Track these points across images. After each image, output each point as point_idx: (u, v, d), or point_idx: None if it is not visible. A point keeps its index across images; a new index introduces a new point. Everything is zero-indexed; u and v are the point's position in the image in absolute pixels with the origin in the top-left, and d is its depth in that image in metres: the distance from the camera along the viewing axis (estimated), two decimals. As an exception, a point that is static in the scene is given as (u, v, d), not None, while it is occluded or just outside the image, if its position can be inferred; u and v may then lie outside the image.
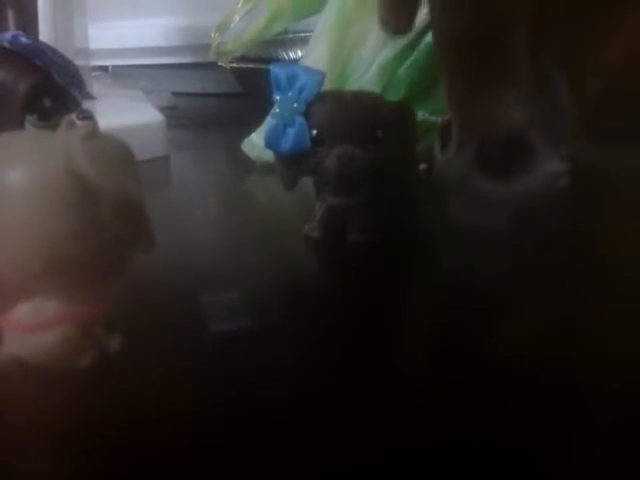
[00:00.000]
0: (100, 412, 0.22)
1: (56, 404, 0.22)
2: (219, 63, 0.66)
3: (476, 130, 0.27)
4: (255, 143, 0.50)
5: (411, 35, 0.46)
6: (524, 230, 0.30)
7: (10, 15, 0.45)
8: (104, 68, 0.81)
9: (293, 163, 0.35)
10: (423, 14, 0.43)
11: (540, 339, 0.27)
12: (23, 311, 0.22)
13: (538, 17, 0.24)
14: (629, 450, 0.21)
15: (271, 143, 0.34)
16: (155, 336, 0.26)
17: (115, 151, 0.21)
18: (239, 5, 0.61)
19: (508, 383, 0.24)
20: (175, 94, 0.75)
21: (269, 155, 0.40)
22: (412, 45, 0.46)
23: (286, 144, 0.33)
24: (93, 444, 0.21)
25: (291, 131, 0.33)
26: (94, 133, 0.20)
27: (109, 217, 0.20)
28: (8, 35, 0.31)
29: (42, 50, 0.32)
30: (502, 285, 0.31)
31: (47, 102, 0.31)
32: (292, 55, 0.65)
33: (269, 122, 0.34)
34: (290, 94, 0.33)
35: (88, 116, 0.31)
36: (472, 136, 0.27)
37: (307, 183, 0.37)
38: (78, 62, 0.35)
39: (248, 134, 0.51)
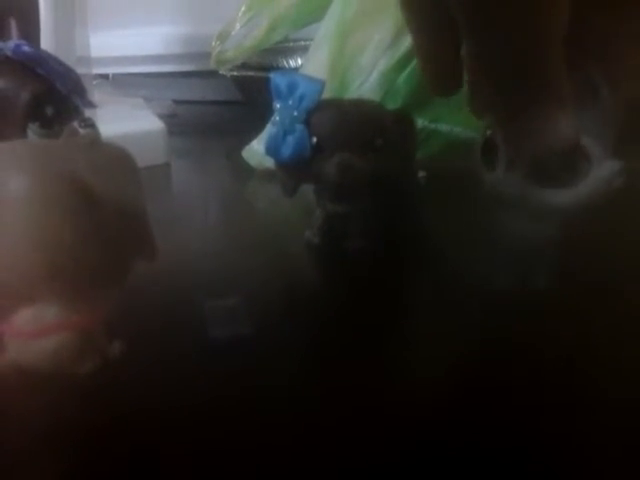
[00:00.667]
0: (100, 419, 0.22)
1: (56, 410, 0.22)
2: (220, 71, 0.66)
3: (528, 147, 0.27)
4: (256, 150, 0.50)
5: (410, 43, 0.46)
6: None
7: (12, 24, 0.45)
8: (105, 76, 0.81)
9: (293, 170, 0.35)
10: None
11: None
12: (23, 317, 0.22)
13: (576, 24, 0.24)
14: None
15: (271, 150, 0.34)
16: (156, 342, 0.26)
17: (117, 159, 0.21)
18: (240, 13, 0.61)
19: (512, 392, 0.24)
20: (176, 102, 0.75)
21: (269, 162, 0.40)
22: (412, 53, 0.46)
23: (286, 152, 0.33)
24: (93, 451, 0.21)
25: (291, 139, 0.33)
26: (96, 141, 0.21)
27: (111, 225, 0.21)
28: (10, 44, 0.31)
29: (44, 59, 0.32)
30: (509, 291, 0.31)
31: (49, 110, 0.32)
32: (292, 63, 0.65)
33: (269, 130, 0.34)
34: (290, 102, 0.33)
35: (90, 124, 0.32)
36: (523, 153, 0.27)
37: (307, 190, 0.37)
38: (79, 70, 0.35)
39: (249, 141, 0.51)
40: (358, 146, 0.33)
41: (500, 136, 0.29)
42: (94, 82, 0.69)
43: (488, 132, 0.30)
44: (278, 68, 0.65)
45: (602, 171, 0.27)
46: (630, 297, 0.30)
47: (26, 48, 0.31)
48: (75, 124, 0.30)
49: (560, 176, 0.28)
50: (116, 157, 0.21)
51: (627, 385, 0.24)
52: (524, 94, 0.24)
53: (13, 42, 0.31)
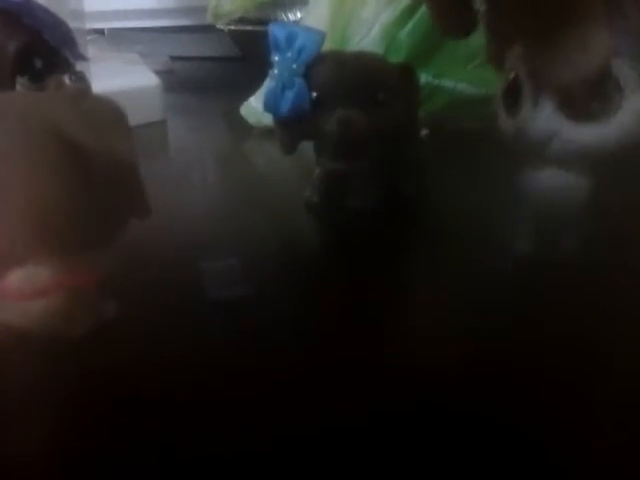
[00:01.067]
0: (95, 380, 0.22)
1: (50, 372, 0.22)
2: (217, 25, 0.65)
3: (557, 75, 0.25)
4: (253, 107, 0.49)
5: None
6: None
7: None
8: (100, 31, 0.79)
9: (292, 127, 0.34)
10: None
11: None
12: (15, 279, 0.22)
13: None
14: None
15: (270, 106, 0.33)
16: (152, 302, 0.26)
17: (106, 113, 0.21)
18: (237, -35, 0.60)
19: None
20: (172, 58, 0.74)
21: (268, 119, 0.39)
22: (414, 7, 0.45)
23: (285, 107, 0.32)
24: (88, 412, 0.21)
25: (290, 93, 0.32)
26: (83, 94, 0.20)
27: (101, 181, 0.20)
28: (-5, -8, 0.30)
29: (32, 9, 0.30)
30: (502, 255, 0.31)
31: (38, 63, 0.30)
32: (291, 17, 0.64)
33: (268, 84, 0.33)
34: (289, 54, 0.32)
35: (81, 78, 0.30)
36: (552, 82, 0.26)
37: (307, 147, 0.36)
38: (72, 24, 0.34)
39: (246, 98, 0.50)
40: (359, 100, 0.32)
41: (526, 71, 0.27)
42: (88, 37, 0.68)
43: (511, 75, 0.28)
44: (277, 22, 0.64)
45: (637, 107, 0.26)
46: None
47: (12, -4, 0.30)
48: (64, 77, 0.29)
49: (591, 107, 0.26)
50: (105, 111, 0.20)
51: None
52: (552, 15, 0.23)
53: (-2, -10, 0.30)
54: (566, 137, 0.26)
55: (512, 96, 0.28)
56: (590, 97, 0.25)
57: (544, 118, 0.26)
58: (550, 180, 0.28)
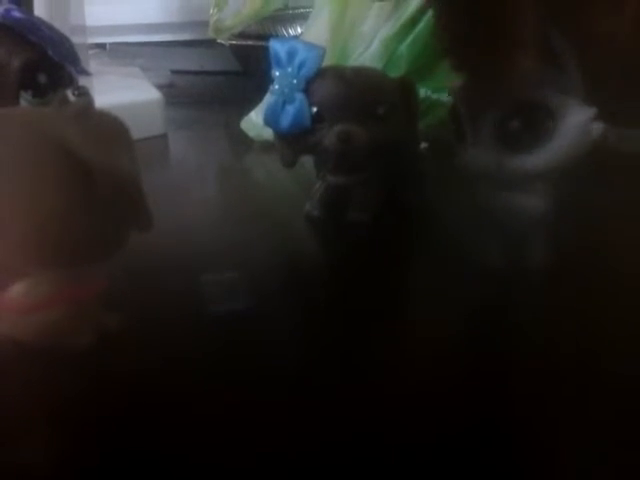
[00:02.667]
0: (95, 392, 0.22)
1: (50, 385, 0.22)
2: (218, 40, 0.65)
3: (489, 102, 0.26)
4: (254, 121, 0.50)
5: (412, 11, 0.45)
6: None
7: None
8: (101, 46, 0.80)
9: (293, 141, 0.34)
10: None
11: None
12: (17, 291, 0.22)
13: None
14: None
15: (270, 120, 0.33)
16: (153, 316, 0.26)
17: (109, 128, 0.21)
18: (238, -20, 0.60)
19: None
20: (173, 72, 0.74)
21: (268, 134, 0.39)
22: (414, 21, 0.46)
23: (285, 121, 0.32)
24: (90, 424, 0.21)
25: (290, 108, 0.32)
26: (87, 109, 0.20)
27: (103, 195, 0.20)
28: (0, 9, 0.30)
29: (36, 25, 0.31)
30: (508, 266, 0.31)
31: (42, 78, 0.31)
32: (292, 31, 0.64)
33: (268, 99, 0.34)
34: (289, 70, 0.32)
35: (84, 93, 0.31)
36: (486, 112, 0.26)
37: (307, 161, 0.36)
38: (74, 39, 0.34)
39: (247, 112, 0.51)
40: (359, 115, 0.32)
41: (463, 103, 0.28)
42: (91, 51, 0.68)
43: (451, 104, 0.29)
44: (277, 36, 0.64)
45: (571, 123, 0.26)
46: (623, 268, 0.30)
47: (16, 13, 0.30)
48: (68, 92, 0.29)
49: (524, 137, 0.27)
50: (108, 125, 0.21)
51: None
52: (488, 44, 0.24)
53: (3, 7, 0.30)
54: (507, 166, 0.27)
55: (456, 121, 0.29)
56: (520, 127, 0.26)
57: (484, 149, 0.27)
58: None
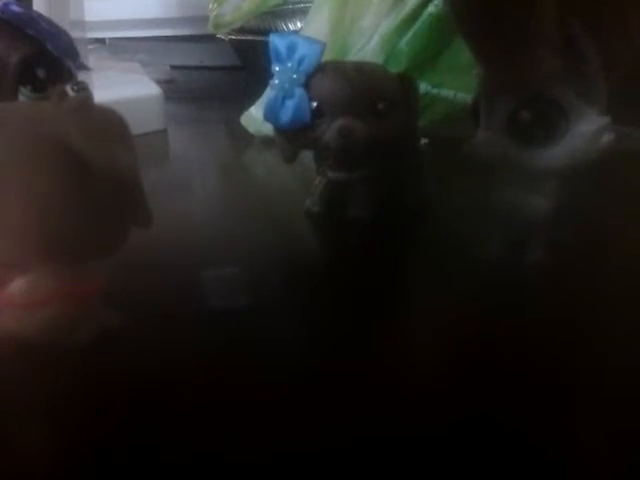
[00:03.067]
0: (96, 389, 0.22)
1: (51, 381, 0.22)
2: (218, 35, 0.65)
3: (505, 92, 0.26)
4: (254, 116, 0.50)
5: (413, 6, 0.45)
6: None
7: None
8: (101, 41, 0.80)
9: (292, 136, 0.34)
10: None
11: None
12: (17, 287, 0.22)
13: None
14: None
15: (270, 116, 0.33)
16: (153, 312, 0.26)
17: (109, 123, 0.21)
18: (237, -25, 0.60)
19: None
20: (173, 67, 0.74)
21: (268, 129, 0.39)
22: (414, 16, 0.45)
23: (285, 117, 0.32)
24: (89, 421, 0.21)
25: (290, 103, 0.32)
26: (86, 104, 0.20)
27: (103, 191, 0.20)
28: (-1, 3, 0.30)
29: (35, 19, 0.31)
30: (510, 262, 0.31)
31: (41, 73, 0.31)
32: (291, 26, 0.64)
33: (268, 94, 0.33)
34: (289, 65, 0.32)
35: (83, 88, 0.31)
36: (498, 105, 0.26)
37: (307, 156, 0.36)
38: (74, 34, 0.34)
39: (247, 108, 0.50)
40: (359, 110, 0.32)
41: (481, 90, 0.28)
42: (90, 46, 0.68)
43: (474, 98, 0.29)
44: (277, 31, 0.64)
45: (584, 129, 0.26)
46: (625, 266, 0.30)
47: (15, 7, 0.30)
48: (67, 87, 0.29)
49: (535, 132, 0.27)
50: (108, 121, 0.21)
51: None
52: (507, 34, 0.24)
53: (2, 1, 0.30)
54: (516, 159, 0.27)
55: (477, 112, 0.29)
56: (533, 122, 0.26)
57: (495, 134, 0.27)
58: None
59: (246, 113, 0.51)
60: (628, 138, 0.28)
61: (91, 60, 0.55)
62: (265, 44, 0.33)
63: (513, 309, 0.27)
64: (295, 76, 0.32)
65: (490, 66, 0.27)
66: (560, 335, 0.25)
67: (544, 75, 0.25)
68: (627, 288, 0.28)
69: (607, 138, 0.26)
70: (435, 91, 0.46)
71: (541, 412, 0.21)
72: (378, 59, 0.45)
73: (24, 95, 0.31)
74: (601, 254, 0.31)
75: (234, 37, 0.66)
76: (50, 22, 0.32)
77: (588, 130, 0.26)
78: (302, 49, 0.32)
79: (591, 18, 0.24)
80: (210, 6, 0.62)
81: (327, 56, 0.34)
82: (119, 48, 0.78)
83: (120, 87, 0.54)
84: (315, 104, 0.32)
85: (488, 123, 0.28)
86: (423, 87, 0.45)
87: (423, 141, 0.42)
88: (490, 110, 0.27)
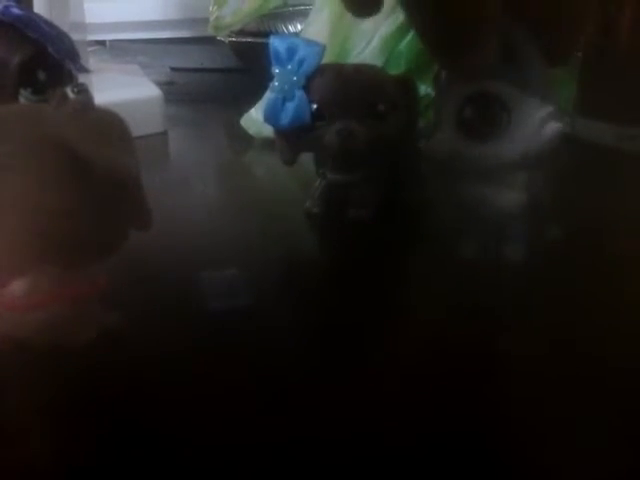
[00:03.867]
0: (95, 390, 0.22)
1: (50, 383, 0.22)
2: (218, 37, 0.65)
3: (453, 89, 0.27)
4: (254, 118, 0.50)
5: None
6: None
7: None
8: (101, 43, 0.80)
9: (292, 138, 0.34)
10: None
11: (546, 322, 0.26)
12: (16, 289, 0.22)
13: None
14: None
15: (270, 118, 0.33)
16: (152, 313, 0.26)
17: (109, 125, 0.21)
18: (238, -23, 0.60)
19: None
20: (173, 69, 0.74)
21: (268, 131, 0.39)
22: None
23: (285, 119, 0.32)
24: (88, 422, 0.21)
25: (290, 105, 0.32)
26: (87, 107, 0.20)
27: (103, 193, 0.20)
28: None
29: (35, 22, 0.31)
30: (507, 263, 0.31)
31: (41, 75, 0.31)
32: (291, 28, 0.64)
33: (268, 96, 0.33)
34: (289, 67, 0.32)
35: (83, 90, 0.31)
36: (451, 98, 0.27)
37: (307, 158, 0.36)
38: (74, 36, 0.34)
39: (247, 109, 0.51)
40: (359, 112, 0.32)
41: (434, 85, 0.29)
42: (90, 48, 0.68)
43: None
44: (277, 34, 0.64)
45: (525, 122, 0.27)
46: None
47: (16, 10, 0.30)
48: (67, 89, 0.29)
49: (480, 127, 0.27)
50: (108, 123, 0.21)
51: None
52: (451, 27, 0.24)
53: (2, 3, 0.30)
54: (466, 154, 0.28)
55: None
56: (474, 117, 0.27)
57: (447, 139, 0.28)
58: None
59: (246, 115, 0.51)
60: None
61: (91, 62, 0.56)
62: (265, 46, 0.33)
63: (512, 307, 0.27)
64: (295, 78, 0.32)
65: (440, 63, 0.27)
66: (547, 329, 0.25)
67: (485, 71, 0.26)
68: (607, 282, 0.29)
69: (552, 127, 0.27)
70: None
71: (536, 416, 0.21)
72: (378, 61, 0.45)
73: (24, 97, 0.31)
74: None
75: (234, 39, 0.66)
76: (50, 24, 0.32)
77: (529, 118, 0.27)
78: (302, 51, 0.32)
79: (523, 8, 0.25)
80: (210, 8, 0.62)
81: (327, 58, 0.34)
82: (119, 50, 0.78)
83: (120, 89, 0.54)
84: (315, 106, 0.32)
85: (441, 121, 0.28)
86: (423, 89, 0.45)
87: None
88: (441, 108, 0.28)
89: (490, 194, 0.29)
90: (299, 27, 0.63)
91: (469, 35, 0.24)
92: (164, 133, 0.53)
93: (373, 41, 0.46)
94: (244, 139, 0.50)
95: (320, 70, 0.32)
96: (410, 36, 0.46)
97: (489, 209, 0.29)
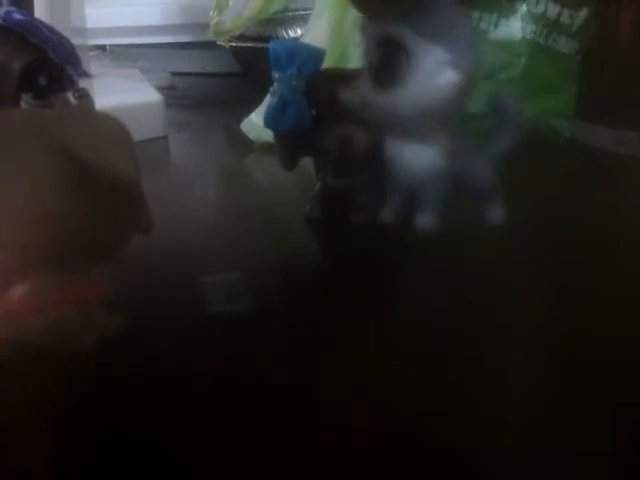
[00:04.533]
0: (97, 393, 0.22)
1: (53, 386, 0.22)
2: (218, 42, 0.65)
3: (367, 34, 0.28)
4: (254, 123, 0.50)
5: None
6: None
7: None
8: (102, 47, 0.80)
9: (293, 143, 0.34)
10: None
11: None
12: (20, 293, 0.22)
13: None
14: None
15: (270, 122, 0.33)
16: (154, 317, 0.26)
17: (110, 130, 0.21)
18: (238, -17, 0.60)
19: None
20: (174, 74, 0.74)
21: (268, 135, 0.39)
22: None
23: (285, 123, 0.32)
24: (90, 425, 0.21)
25: (290, 110, 0.32)
26: (89, 112, 0.20)
27: (104, 197, 0.20)
28: (1, 11, 0.30)
29: (37, 27, 0.31)
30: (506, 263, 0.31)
31: (42, 80, 0.31)
32: (292, 33, 0.64)
33: (268, 100, 0.34)
34: (290, 72, 0.32)
35: (84, 95, 0.31)
36: (366, 44, 0.28)
37: (307, 163, 0.36)
38: (75, 41, 0.34)
39: (247, 114, 0.51)
40: (359, 117, 0.32)
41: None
42: (90, 53, 0.68)
43: None
44: (277, 39, 0.64)
45: (425, 68, 0.27)
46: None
47: (17, 15, 0.30)
48: (69, 95, 0.29)
49: (381, 72, 0.28)
50: (108, 127, 0.21)
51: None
52: None
53: (4, 9, 0.30)
54: (376, 104, 0.29)
55: None
56: (383, 63, 0.28)
57: (361, 85, 0.29)
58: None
59: (246, 119, 0.51)
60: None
61: (92, 67, 0.56)
62: (265, 51, 0.33)
63: (515, 310, 0.27)
64: (295, 83, 0.32)
65: (361, 9, 0.29)
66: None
67: (394, 17, 0.26)
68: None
69: (448, 76, 0.27)
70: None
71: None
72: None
73: (26, 102, 0.31)
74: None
75: (234, 44, 0.66)
76: (51, 29, 0.32)
77: (429, 64, 0.27)
78: (302, 56, 0.32)
79: None
80: (211, 13, 0.62)
81: (327, 63, 0.34)
82: (120, 55, 0.78)
83: (121, 94, 0.54)
84: (315, 111, 0.32)
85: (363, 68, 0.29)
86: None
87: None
88: (362, 54, 0.29)
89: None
90: (299, 32, 0.63)
91: None
92: (165, 137, 0.53)
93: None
94: (244, 143, 0.50)
95: (320, 75, 0.32)
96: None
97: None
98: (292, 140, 0.34)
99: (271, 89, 0.33)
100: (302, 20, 0.61)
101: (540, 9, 0.50)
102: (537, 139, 0.40)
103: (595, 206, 0.35)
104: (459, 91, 0.27)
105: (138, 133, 0.23)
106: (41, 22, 0.32)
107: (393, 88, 0.28)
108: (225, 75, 0.74)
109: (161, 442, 0.20)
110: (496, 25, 0.50)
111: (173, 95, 0.65)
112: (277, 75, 0.32)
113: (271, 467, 0.19)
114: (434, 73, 0.27)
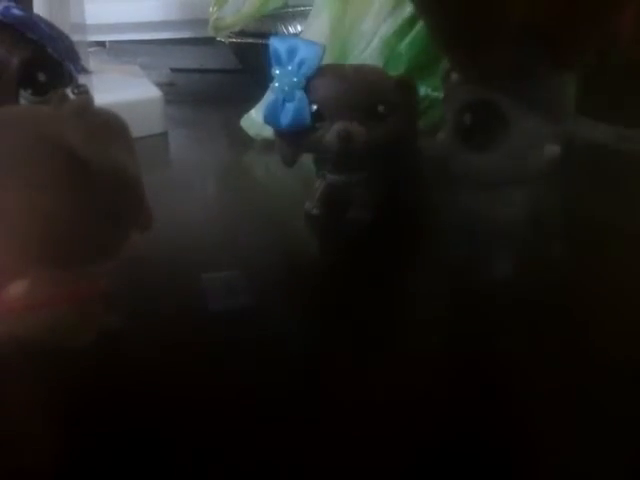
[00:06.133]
0: (96, 391, 0.22)
1: (51, 383, 0.22)
2: (218, 38, 0.65)
3: (456, 92, 0.26)
4: (254, 119, 0.50)
5: (413, 10, 0.45)
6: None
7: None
8: (101, 44, 0.80)
9: (293, 139, 0.34)
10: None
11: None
12: (17, 290, 0.22)
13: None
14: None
15: (270, 118, 0.33)
16: (153, 314, 0.26)
17: (109, 126, 0.21)
18: (238, -22, 0.60)
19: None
20: (173, 70, 0.74)
21: (268, 132, 0.39)
22: (413, 20, 0.45)
23: (285, 119, 0.32)
24: (89, 423, 0.21)
25: (290, 106, 0.32)
26: (87, 108, 0.20)
27: (103, 194, 0.20)
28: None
29: (35, 23, 0.31)
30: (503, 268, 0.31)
31: (41, 77, 0.31)
32: (292, 29, 0.64)
33: (268, 97, 0.34)
34: (290, 68, 0.32)
35: (83, 91, 0.31)
36: (447, 107, 0.27)
37: (307, 159, 0.36)
38: (74, 37, 0.34)
39: (247, 110, 0.50)
40: (359, 113, 0.32)
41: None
42: (90, 49, 0.68)
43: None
44: (277, 34, 0.64)
45: (524, 139, 0.27)
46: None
47: (16, 10, 0.30)
48: (67, 90, 0.29)
49: (474, 134, 0.27)
50: (108, 124, 0.21)
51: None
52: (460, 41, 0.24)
53: (2, 4, 0.30)
54: (463, 162, 0.27)
55: None
56: (476, 125, 0.27)
57: (446, 136, 0.28)
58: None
59: (246, 116, 0.51)
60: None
61: (91, 63, 0.55)
62: (265, 47, 0.33)
63: (513, 307, 0.27)
64: (295, 79, 0.32)
65: (451, 62, 0.27)
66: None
67: (490, 80, 0.26)
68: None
69: (552, 150, 0.27)
70: (435, 94, 0.46)
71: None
72: (378, 62, 0.45)
73: (25, 98, 0.31)
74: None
75: (234, 40, 0.66)
76: (51, 25, 0.32)
77: (527, 133, 0.27)
78: (302, 52, 0.32)
79: (539, 20, 0.25)
80: (210, 9, 0.62)
81: (327, 59, 0.34)
82: (119, 51, 0.78)
83: (120, 90, 0.54)
84: (315, 107, 0.32)
85: (445, 129, 0.28)
86: (423, 90, 0.45)
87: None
88: (446, 109, 0.28)
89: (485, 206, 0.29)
90: (299, 28, 0.63)
91: (484, 36, 0.24)
92: (164, 134, 0.53)
93: (373, 42, 0.46)
94: (244, 140, 0.50)
95: (320, 71, 0.32)
96: (410, 37, 0.46)
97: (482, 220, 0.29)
98: (292, 136, 0.34)
99: (271, 85, 0.33)
100: (302, 16, 0.60)
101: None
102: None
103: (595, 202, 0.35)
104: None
105: (137, 129, 0.23)
106: (40, 18, 0.32)
107: (486, 151, 0.27)
108: (225, 71, 0.74)
109: (161, 440, 0.20)
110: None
111: (172, 91, 0.65)
112: (277, 71, 0.32)
113: (271, 467, 0.19)
114: (533, 143, 0.27)
